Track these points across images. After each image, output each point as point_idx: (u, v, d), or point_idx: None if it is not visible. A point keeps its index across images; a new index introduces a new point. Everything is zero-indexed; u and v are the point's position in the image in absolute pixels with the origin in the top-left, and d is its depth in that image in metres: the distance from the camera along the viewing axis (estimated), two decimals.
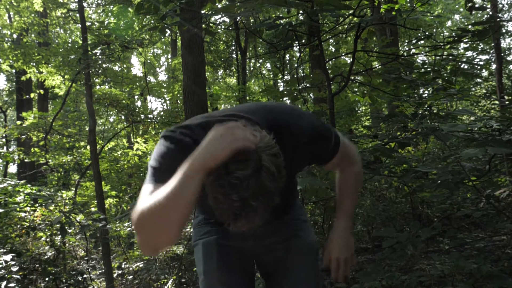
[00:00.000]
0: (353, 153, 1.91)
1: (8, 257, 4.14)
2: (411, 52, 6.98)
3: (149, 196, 1.37)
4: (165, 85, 12.40)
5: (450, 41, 4.31)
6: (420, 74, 4.62)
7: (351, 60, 4.93)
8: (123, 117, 12.72)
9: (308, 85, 6.21)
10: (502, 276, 2.87)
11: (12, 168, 21.19)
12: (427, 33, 5.47)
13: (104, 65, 8.00)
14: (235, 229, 1.33)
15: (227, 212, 1.29)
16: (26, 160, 10.51)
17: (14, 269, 4.10)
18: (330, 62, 11.15)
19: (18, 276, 4.19)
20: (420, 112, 3.78)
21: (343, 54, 11.19)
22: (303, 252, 1.94)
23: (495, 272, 3.14)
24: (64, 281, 5.45)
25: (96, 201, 7.66)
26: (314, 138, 1.68)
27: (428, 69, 4.64)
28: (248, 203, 1.26)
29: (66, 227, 4.69)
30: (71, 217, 4.72)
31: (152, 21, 10.05)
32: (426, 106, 3.88)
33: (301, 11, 7.00)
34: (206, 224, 2.01)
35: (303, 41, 5.63)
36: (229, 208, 1.28)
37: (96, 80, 9.35)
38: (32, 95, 14.20)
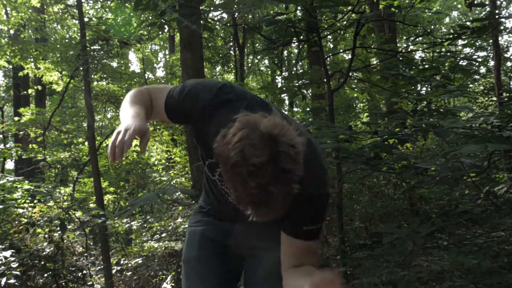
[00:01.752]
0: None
1: (8, 253, 4.14)
2: (409, 49, 6.98)
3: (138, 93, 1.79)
4: (163, 81, 12.35)
5: (450, 38, 4.31)
6: (419, 71, 4.62)
7: (351, 56, 4.94)
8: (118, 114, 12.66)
9: (307, 81, 6.21)
10: (502, 272, 2.88)
11: (9, 165, 21.17)
12: (427, 30, 5.46)
13: (102, 61, 7.98)
14: (256, 218, 1.32)
15: (245, 200, 1.28)
16: (23, 157, 10.48)
17: (14, 265, 4.10)
18: (328, 58, 11.13)
19: (17, 273, 4.19)
20: (419, 108, 3.78)
21: (342, 50, 11.18)
22: (275, 266, 1.79)
23: (494, 268, 3.15)
24: (62, 277, 5.45)
25: (94, 197, 7.66)
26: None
27: (426, 66, 4.65)
28: (267, 190, 1.24)
29: (66, 223, 4.68)
30: (70, 213, 4.72)
31: (150, 17, 10.01)
32: (425, 102, 3.89)
33: (299, 8, 7.00)
34: (200, 212, 2.04)
35: (302, 37, 5.63)
36: (247, 196, 1.26)
37: (94, 76, 9.33)
38: (30, 91, 14.14)
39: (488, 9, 9.41)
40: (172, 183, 9.44)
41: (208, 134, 1.59)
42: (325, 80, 6.25)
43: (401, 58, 5.04)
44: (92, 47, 7.28)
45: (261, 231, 1.84)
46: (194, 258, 1.95)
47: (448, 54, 5.08)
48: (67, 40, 12.51)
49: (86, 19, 8.73)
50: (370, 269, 3.18)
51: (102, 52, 7.41)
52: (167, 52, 18.53)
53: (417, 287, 3.57)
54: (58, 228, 5.71)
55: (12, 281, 4.01)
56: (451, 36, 4.43)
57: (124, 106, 1.71)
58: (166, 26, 6.37)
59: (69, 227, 5.63)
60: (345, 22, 5.89)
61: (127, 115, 1.61)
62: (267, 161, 1.22)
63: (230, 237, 1.92)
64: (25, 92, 14.20)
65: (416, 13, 4.60)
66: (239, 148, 1.23)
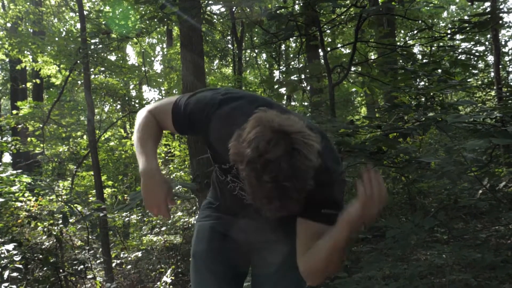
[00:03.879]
0: None
1: (10, 246, 4.15)
2: (408, 43, 6.99)
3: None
4: (163, 75, 12.32)
5: (452, 32, 4.32)
6: (420, 65, 4.64)
7: (352, 50, 4.94)
8: (118, 107, 12.67)
9: (307, 75, 6.22)
10: (506, 266, 2.90)
11: (6, 158, 21.10)
12: (428, 24, 5.46)
13: (102, 55, 7.94)
14: (269, 214, 1.35)
15: (260, 195, 1.31)
16: (21, 150, 10.45)
17: (17, 258, 4.10)
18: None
19: (20, 266, 4.19)
20: (423, 103, 3.80)
21: (343, 45, 11.15)
22: (289, 256, 1.80)
23: (496, 262, 3.18)
24: (61, 270, 5.44)
25: (94, 191, 7.65)
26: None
27: (425, 61, 4.66)
28: (281, 185, 1.27)
29: (68, 217, 4.68)
30: (72, 206, 4.71)
31: (148, 11, 9.96)
32: (429, 96, 3.90)
33: (298, 1, 6.99)
34: (209, 208, 2.04)
35: (303, 31, 5.63)
36: (261, 191, 1.30)
37: (92, 70, 9.28)
38: (28, 84, 14.09)
39: (487, 4, 9.40)
40: (171, 176, 9.43)
41: (220, 139, 1.60)
42: (323, 74, 6.27)
43: (402, 53, 5.04)
44: (93, 41, 7.24)
45: (272, 225, 1.84)
46: (204, 251, 1.93)
47: (447, 48, 5.09)
48: (63, 33, 12.44)
49: (85, 12, 8.67)
50: (373, 263, 3.20)
51: (102, 45, 7.37)
52: (164, 46, 18.45)
53: (416, 281, 3.58)
54: (59, 222, 5.72)
55: (15, 274, 4.02)
56: (453, 30, 4.44)
57: (137, 144, 1.79)
58: (166, 20, 6.35)
59: (70, 220, 5.62)
60: (342, 16, 5.90)
61: (144, 162, 1.72)
62: (281, 156, 1.25)
63: (240, 231, 1.92)
64: (23, 85, 14.14)
65: (419, 7, 4.60)
66: (254, 144, 1.27)
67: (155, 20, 5.94)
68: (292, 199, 1.31)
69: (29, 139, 10.05)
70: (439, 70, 4.41)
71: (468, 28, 4.25)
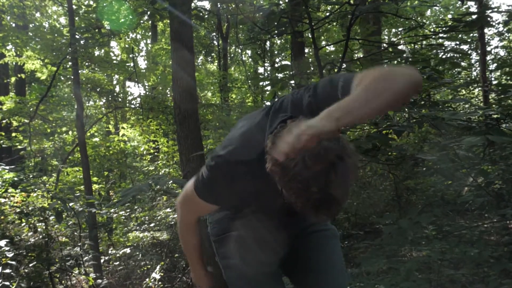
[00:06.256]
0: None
1: (3, 242, 4.10)
2: (394, 41, 7.05)
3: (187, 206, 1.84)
4: (148, 70, 12.24)
5: (444, 31, 4.37)
6: (410, 63, 4.68)
7: (344, 48, 4.98)
8: (101, 103, 12.56)
9: (295, 72, 6.25)
10: (502, 261, 2.95)
11: None
12: (419, 23, 5.53)
13: (91, 50, 7.85)
14: (317, 221, 1.38)
15: (308, 205, 1.33)
16: (4, 145, 10.32)
17: (9, 254, 4.05)
18: (310, 50, 11.19)
19: (14, 262, 4.15)
20: (418, 100, 3.84)
21: (332, 42, 11.18)
22: (328, 236, 1.94)
23: (487, 258, 3.23)
24: (46, 267, 5.38)
25: (82, 187, 7.58)
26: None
27: (410, 59, 4.70)
28: (328, 194, 1.29)
29: (63, 214, 4.63)
30: (66, 203, 4.67)
31: (132, 7, 9.86)
32: (424, 94, 3.95)
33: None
34: (233, 219, 1.98)
35: (297, 28, 5.65)
36: (310, 201, 1.32)
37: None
38: (12, 79, 13.86)
39: (471, 3, 9.54)
40: (160, 173, 9.40)
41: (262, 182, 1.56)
42: (313, 71, 6.30)
43: (392, 51, 5.09)
44: (82, 36, 7.15)
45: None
46: (254, 260, 1.88)
47: (429, 47, 5.15)
48: (47, 29, 12.25)
49: (74, 7, 8.56)
50: (370, 258, 3.24)
51: (92, 40, 7.28)
52: (148, 41, 18.29)
53: (413, 275, 3.63)
54: (47, 218, 5.67)
55: (8, 270, 3.98)
56: (436, 29, 4.50)
57: (183, 248, 2.11)
58: (156, 15, 6.32)
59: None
60: (328, 13, 5.92)
61: (192, 270, 2.16)
62: (328, 166, 1.28)
63: (280, 229, 1.89)
64: (8, 80, 13.92)
65: (413, 5, 4.65)
66: (300, 157, 1.28)
67: (146, 15, 5.91)
68: (338, 204, 1.34)
69: (13, 134, 9.93)
70: (427, 69, 4.46)
71: (459, 27, 4.31)
